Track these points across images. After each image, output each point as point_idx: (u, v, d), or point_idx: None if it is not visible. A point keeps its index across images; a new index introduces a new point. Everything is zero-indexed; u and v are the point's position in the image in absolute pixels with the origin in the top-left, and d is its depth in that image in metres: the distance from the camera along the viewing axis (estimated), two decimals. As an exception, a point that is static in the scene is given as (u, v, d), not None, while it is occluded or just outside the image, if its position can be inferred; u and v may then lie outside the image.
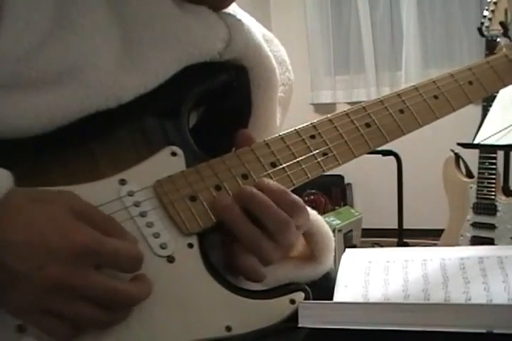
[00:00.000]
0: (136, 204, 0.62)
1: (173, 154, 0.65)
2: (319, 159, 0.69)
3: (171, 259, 0.61)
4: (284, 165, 0.67)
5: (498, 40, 2.29)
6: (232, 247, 0.64)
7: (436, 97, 0.78)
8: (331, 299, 0.70)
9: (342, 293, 0.71)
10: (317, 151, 0.69)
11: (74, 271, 0.53)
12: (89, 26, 0.63)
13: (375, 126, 0.73)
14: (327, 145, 0.70)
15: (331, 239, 0.78)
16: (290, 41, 2.95)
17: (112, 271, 0.56)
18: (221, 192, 0.64)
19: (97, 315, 0.55)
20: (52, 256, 0.52)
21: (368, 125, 0.72)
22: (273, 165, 0.67)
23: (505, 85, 0.85)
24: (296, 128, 0.70)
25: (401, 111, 0.75)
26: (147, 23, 0.67)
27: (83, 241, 0.53)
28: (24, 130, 0.60)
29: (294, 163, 0.68)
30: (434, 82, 0.78)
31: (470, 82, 0.81)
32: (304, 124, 0.70)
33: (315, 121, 0.70)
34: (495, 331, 0.56)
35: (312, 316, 0.61)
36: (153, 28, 0.67)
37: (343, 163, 0.70)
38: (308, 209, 0.75)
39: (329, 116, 0.71)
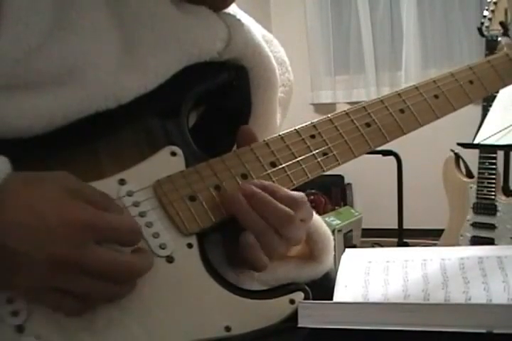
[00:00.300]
0: (136, 204, 0.62)
1: (173, 154, 0.65)
2: (319, 159, 0.69)
3: (170, 259, 0.61)
4: (283, 164, 0.67)
5: (499, 39, 2.29)
6: (236, 241, 0.64)
7: (436, 97, 0.77)
8: (331, 299, 0.70)
9: (342, 293, 0.71)
10: (317, 151, 0.69)
11: (75, 247, 0.54)
12: (88, 27, 0.63)
13: (376, 126, 0.73)
14: (327, 144, 0.70)
15: (330, 239, 0.79)
16: (290, 41, 2.95)
17: (112, 245, 0.57)
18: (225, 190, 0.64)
19: (103, 288, 0.56)
20: (52, 235, 0.53)
21: (368, 124, 0.72)
22: (273, 164, 0.67)
23: (506, 85, 0.85)
24: (296, 127, 0.70)
25: (401, 111, 0.75)
26: (147, 24, 0.67)
27: (81, 218, 0.54)
28: (24, 130, 0.60)
29: (294, 162, 0.68)
30: (434, 81, 0.78)
31: (470, 82, 0.81)
32: (304, 124, 0.70)
33: (315, 120, 0.70)
34: (495, 331, 0.56)
35: (312, 316, 0.61)
36: (153, 29, 0.67)
37: (343, 163, 0.70)
38: None
39: (329, 115, 0.71)
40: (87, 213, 0.55)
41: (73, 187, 0.57)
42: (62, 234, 0.53)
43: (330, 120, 0.71)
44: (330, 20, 3.78)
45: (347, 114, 0.72)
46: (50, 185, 0.56)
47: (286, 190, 0.65)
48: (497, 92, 1.33)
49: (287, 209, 0.63)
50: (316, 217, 0.77)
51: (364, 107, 0.73)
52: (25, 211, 0.53)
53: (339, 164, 0.70)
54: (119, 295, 0.58)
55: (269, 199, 0.63)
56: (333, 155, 0.70)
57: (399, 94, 0.75)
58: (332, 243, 0.79)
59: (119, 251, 0.57)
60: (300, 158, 0.68)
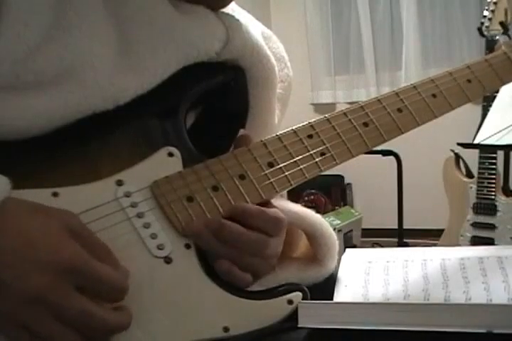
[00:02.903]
0: (133, 205, 0.61)
1: (170, 155, 0.64)
2: (317, 159, 0.69)
3: (168, 260, 0.61)
4: (281, 165, 0.67)
5: (497, 37, 2.29)
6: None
7: (434, 96, 0.77)
8: (331, 299, 0.69)
9: (342, 292, 0.71)
10: (315, 151, 0.69)
11: (54, 286, 0.52)
12: (86, 28, 0.63)
13: (373, 126, 0.72)
14: (325, 144, 0.69)
15: (335, 243, 0.77)
16: (290, 41, 2.95)
17: (95, 298, 0.55)
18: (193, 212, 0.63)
19: (69, 338, 0.53)
20: (37, 268, 0.52)
21: (365, 124, 0.72)
22: (270, 165, 0.67)
23: (503, 83, 0.85)
24: (294, 127, 0.69)
25: (399, 110, 0.74)
26: (145, 24, 0.66)
27: (71, 259, 0.53)
28: (22, 131, 0.60)
29: (292, 163, 0.67)
30: (432, 80, 0.78)
31: (468, 81, 0.81)
32: (302, 124, 0.70)
33: (312, 120, 0.70)
34: (495, 331, 0.56)
35: (312, 316, 0.61)
36: (151, 29, 0.67)
37: (340, 163, 0.70)
38: (312, 212, 0.74)
39: (327, 115, 0.71)
40: (80, 257, 0.53)
41: (75, 228, 0.56)
42: (46, 270, 0.52)
43: (327, 120, 0.71)
44: (330, 20, 3.78)
45: (344, 113, 0.72)
46: (53, 219, 0.55)
47: (260, 211, 0.64)
48: (497, 92, 1.33)
49: (259, 235, 0.62)
50: (322, 220, 0.76)
51: (362, 107, 0.73)
52: (18, 236, 0.52)
53: (337, 164, 0.70)
54: None
55: (239, 232, 0.62)
56: (331, 155, 0.69)
57: (396, 94, 0.75)
58: (337, 248, 0.77)
59: (100, 304, 0.55)
60: (298, 158, 0.68)
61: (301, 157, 0.68)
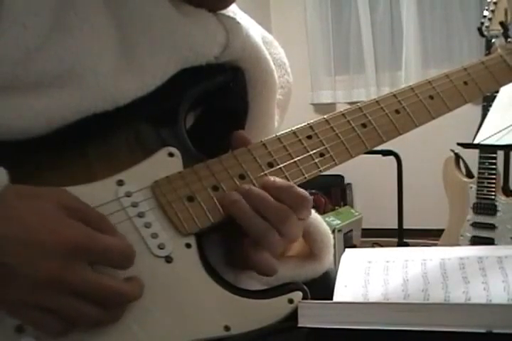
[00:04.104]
0: (134, 205, 0.62)
1: (171, 155, 0.65)
2: (316, 159, 0.69)
3: (169, 259, 0.61)
4: (281, 165, 0.67)
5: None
6: (241, 244, 0.64)
7: (431, 97, 0.78)
8: (331, 299, 0.70)
9: (342, 292, 0.71)
10: (314, 152, 0.69)
11: (66, 266, 0.53)
12: (87, 29, 0.63)
13: (372, 127, 0.73)
14: (324, 145, 0.70)
15: (330, 237, 0.79)
16: (290, 41, 2.96)
17: (106, 269, 0.56)
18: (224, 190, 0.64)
19: (89, 312, 0.54)
20: (44, 252, 0.52)
21: (364, 125, 0.72)
22: (270, 165, 0.67)
23: (500, 85, 0.86)
24: (293, 128, 0.70)
25: (397, 112, 0.75)
26: (145, 26, 0.67)
27: (75, 238, 0.53)
28: (22, 131, 0.60)
29: (291, 163, 0.68)
30: (429, 82, 0.79)
31: (465, 83, 0.81)
32: (301, 125, 0.70)
33: (311, 121, 0.70)
34: (494, 331, 0.56)
35: (312, 316, 0.61)
36: (152, 31, 0.67)
37: (340, 163, 0.70)
38: None
39: (325, 116, 0.71)
40: (81, 233, 0.54)
41: (70, 205, 0.56)
42: (53, 251, 0.52)
43: (326, 121, 0.71)
44: (330, 21, 3.78)
45: (343, 114, 0.72)
46: (46, 200, 0.55)
47: (295, 188, 0.65)
48: (497, 92, 1.34)
49: (284, 206, 0.63)
50: (315, 215, 0.77)
51: (360, 108, 0.73)
52: (17, 224, 0.52)
53: (336, 164, 0.70)
54: (104, 320, 0.56)
55: (265, 196, 0.63)
56: (330, 155, 0.70)
57: (394, 95, 0.76)
58: (332, 241, 0.79)
59: (111, 276, 0.56)
60: (297, 158, 0.68)
61: (300, 157, 0.68)
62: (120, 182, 0.62)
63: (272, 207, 0.63)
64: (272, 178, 0.65)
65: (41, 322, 0.54)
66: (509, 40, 1.96)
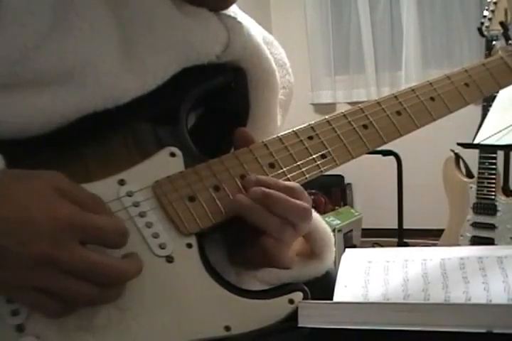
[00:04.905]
0: (135, 205, 0.62)
1: (172, 155, 0.65)
2: (317, 160, 0.69)
3: (170, 259, 0.61)
4: (282, 166, 0.67)
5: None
6: (243, 244, 0.65)
7: (432, 99, 0.78)
8: (331, 299, 0.70)
9: (342, 292, 0.71)
10: (315, 152, 0.69)
11: (59, 245, 0.52)
12: (88, 28, 0.63)
13: (373, 128, 0.73)
14: (325, 146, 0.70)
15: (330, 236, 0.79)
16: (290, 41, 2.95)
17: (102, 248, 0.56)
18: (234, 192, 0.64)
19: (85, 291, 0.54)
20: (37, 231, 0.52)
21: (365, 126, 0.73)
22: (271, 165, 0.67)
23: (500, 87, 0.86)
24: (295, 129, 0.70)
25: (398, 113, 0.75)
26: (146, 25, 0.67)
27: (67, 216, 0.53)
28: (22, 129, 0.60)
29: (293, 164, 0.68)
30: (430, 83, 0.79)
31: (466, 84, 0.82)
32: (302, 125, 0.70)
33: (313, 122, 0.71)
34: (495, 331, 0.56)
35: (312, 316, 0.61)
36: (153, 30, 0.67)
37: (341, 164, 0.71)
38: None
39: (327, 117, 0.72)
40: (74, 213, 0.54)
41: (63, 186, 0.56)
42: (47, 230, 0.52)
43: (327, 121, 0.71)
44: (330, 21, 3.78)
45: (344, 115, 0.72)
46: (40, 182, 0.55)
47: (280, 181, 0.65)
48: (497, 92, 1.33)
49: (304, 203, 0.64)
50: (315, 214, 0.77)
51: (361, 109, 0.73)
52: (10, 204, 0.52)
53: (337, 165, 0.70)
54: (103, 299, 0.56)
55: (286, 198, 0.63)
56: (331, 156, 0.70)
57: (395, 97, 0.76)
58: (332, 240, 0.79)
59: (106, 254, 0.56)
60: (298, 159, 0.68)
61: (301, 158, 0.68)
62: (121, 182, 0.62)
63: (295, 207, 0.63)
64: (264, 178, 0.65)
65: (38, 304, 0.54)
66: (510, 42, 1.96)
